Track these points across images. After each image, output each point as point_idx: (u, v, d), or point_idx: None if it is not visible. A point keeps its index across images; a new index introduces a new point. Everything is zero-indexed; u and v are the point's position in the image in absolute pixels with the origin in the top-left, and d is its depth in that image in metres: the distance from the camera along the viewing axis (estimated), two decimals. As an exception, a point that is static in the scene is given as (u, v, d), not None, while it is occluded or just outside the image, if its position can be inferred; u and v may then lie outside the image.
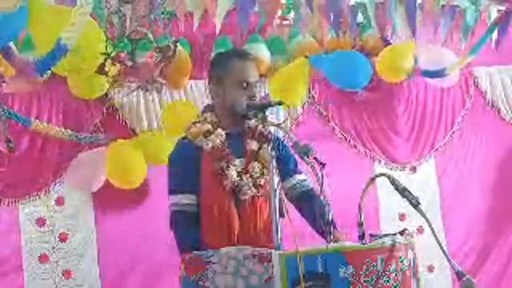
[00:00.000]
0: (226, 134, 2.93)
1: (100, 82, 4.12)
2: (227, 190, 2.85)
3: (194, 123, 2.99)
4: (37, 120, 4.13)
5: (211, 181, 2.86)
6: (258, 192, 2.86)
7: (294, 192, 3.01)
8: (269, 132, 2.97)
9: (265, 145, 2.90)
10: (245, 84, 2.90)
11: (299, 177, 3.02)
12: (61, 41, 3.06)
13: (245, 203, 2.86)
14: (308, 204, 2.93)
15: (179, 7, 3.49)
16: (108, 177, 4.21)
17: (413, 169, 5.15)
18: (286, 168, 2.99)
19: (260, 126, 2.95)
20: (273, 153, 2.65)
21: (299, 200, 3.00)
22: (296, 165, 3.03)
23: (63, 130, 4.18)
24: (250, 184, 2.86)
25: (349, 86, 4.68)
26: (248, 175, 2.87)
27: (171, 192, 2.94)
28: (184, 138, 3.00)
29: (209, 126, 2.94)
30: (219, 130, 2.92)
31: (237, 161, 2.89)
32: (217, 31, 3.69)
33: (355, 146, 5.01)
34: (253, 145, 2.94)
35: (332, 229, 2.61)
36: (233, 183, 2.85)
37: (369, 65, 4.55)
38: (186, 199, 2.88)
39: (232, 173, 2.86)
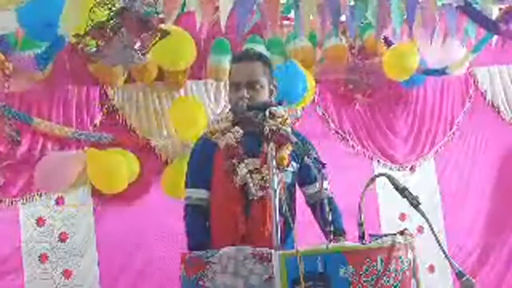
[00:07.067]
0: (244, 133, 2.95)
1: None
2: (236, 188, 2.88)
3: (217, 120, 3.07)
4: (39, 119, 4.12)
5: (222, 178, 2.91)
6: (267, 193, 2.85)
7: (314, 198, 3.04)
8: (291, 136, 2.96)
9: (284, 147, 2.92)
10: (235, 86, 2.98)
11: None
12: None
13: (253, 202, 2.88)
14: (323, 211, 2.92)
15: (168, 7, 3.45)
16: (93, 182, 4.19)
17: (412, 169, 5.15)
18: (310, 174, 3.02)
19: (282, 129, 2.94)
20: (273, 153, 2.65)
21: (319, 207, 2.99)
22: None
23: (65, 128, 4.18)
24: (258, 185, 2.87)
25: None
26: (259, 175, 2.89)
27: (186, 185, 3.02)
28: (204, 134, 3.08)
29: (229, 124, 2.99)
30: (237, 128, 2.96)
31: (249, 160, 2.92)
32: (223, 29, 3.68)
33: (353, 147, 5.01)
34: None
35: (341, 237, 2.75)
36: (242, 181, 2.87)
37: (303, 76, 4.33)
38: (198, 194, 2.96)
39: (243, 171, 2.88)
